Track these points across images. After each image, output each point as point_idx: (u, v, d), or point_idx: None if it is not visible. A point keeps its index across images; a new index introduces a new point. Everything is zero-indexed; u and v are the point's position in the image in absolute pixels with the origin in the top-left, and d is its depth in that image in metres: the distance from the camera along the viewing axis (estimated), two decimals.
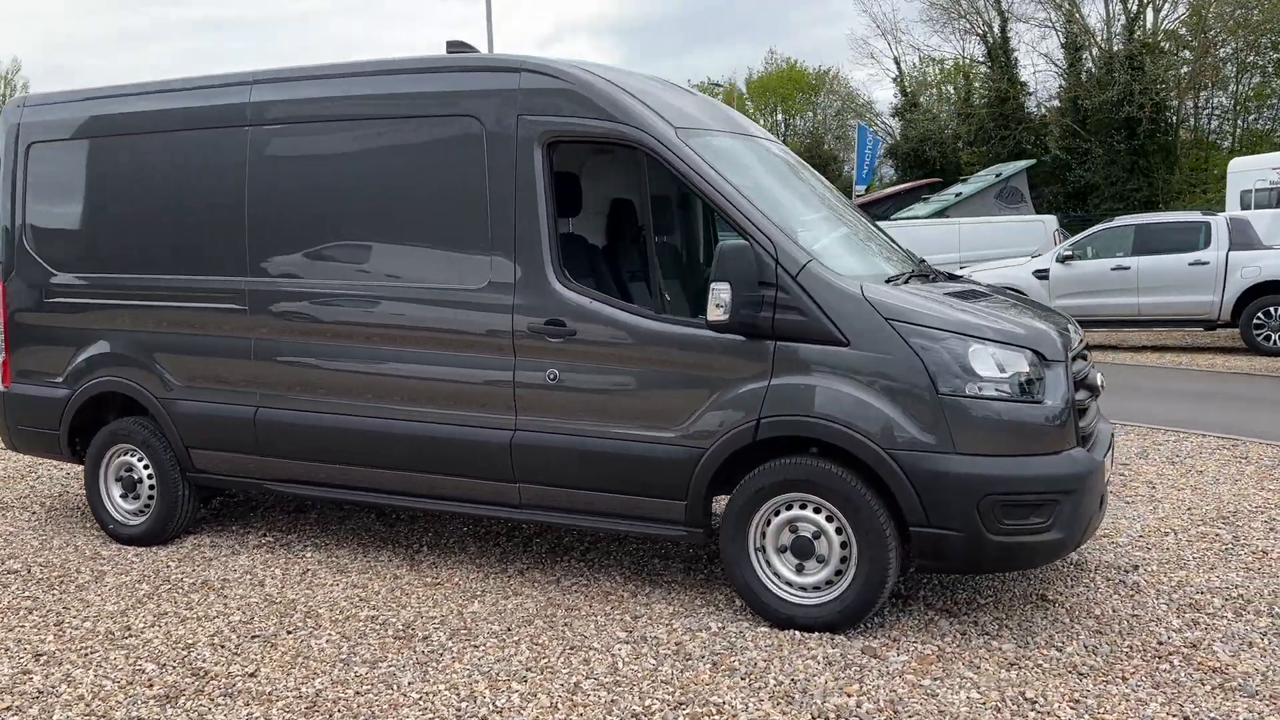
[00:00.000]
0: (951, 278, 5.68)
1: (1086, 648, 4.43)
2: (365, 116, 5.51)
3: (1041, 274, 15.94)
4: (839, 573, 4.62)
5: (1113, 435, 5.30)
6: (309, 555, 6.00)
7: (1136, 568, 5.44)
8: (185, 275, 6.01)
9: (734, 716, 3.89)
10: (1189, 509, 6.53)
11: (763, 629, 4.70)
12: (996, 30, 43.47)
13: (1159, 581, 5.22)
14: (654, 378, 4.86)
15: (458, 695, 4.12)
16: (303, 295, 5.66)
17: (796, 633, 4.64)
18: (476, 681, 4.24)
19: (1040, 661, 4.31)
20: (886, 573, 4.49)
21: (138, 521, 6.30)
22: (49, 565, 5.93)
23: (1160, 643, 4.46)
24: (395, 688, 4.21)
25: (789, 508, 4.67)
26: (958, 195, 24.20)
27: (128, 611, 5.14)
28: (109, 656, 4.60)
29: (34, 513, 7.11)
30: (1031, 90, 42.67)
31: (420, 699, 4.10)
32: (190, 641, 4.73)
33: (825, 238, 5.30)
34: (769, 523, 4.72)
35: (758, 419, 4.63)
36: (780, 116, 64.33)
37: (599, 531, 5.56)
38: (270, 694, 4.19)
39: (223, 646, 4.68)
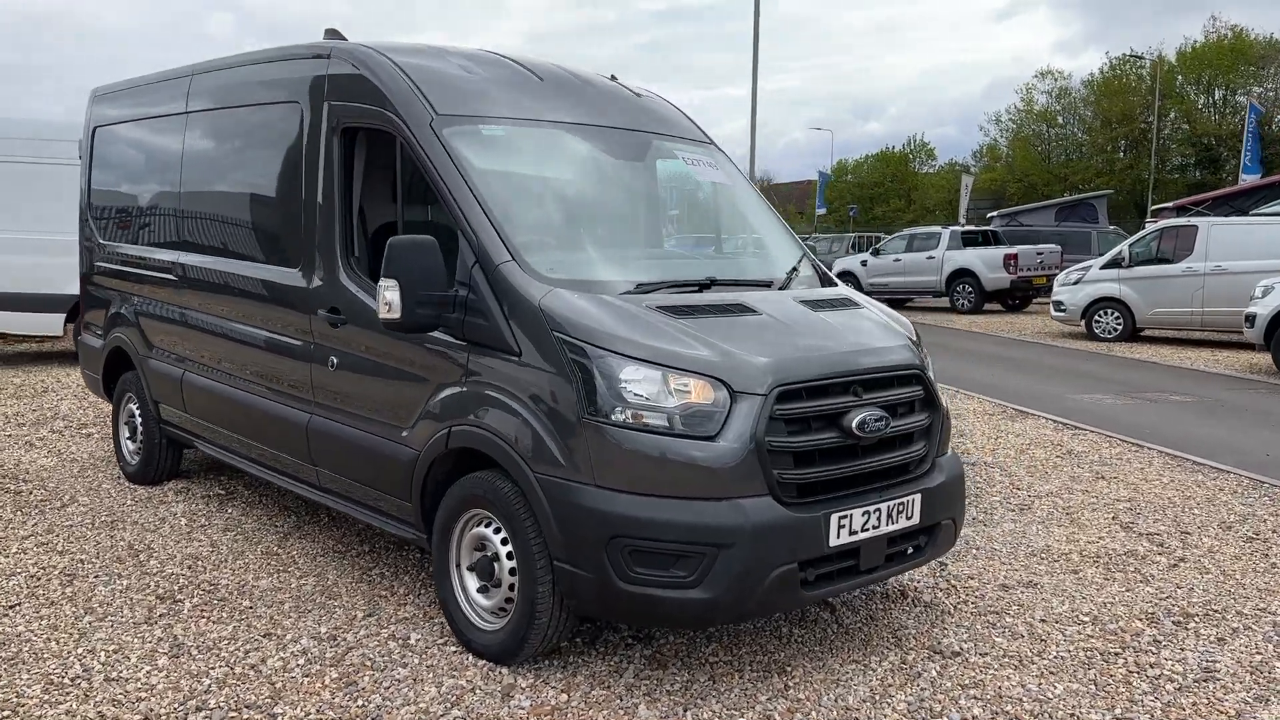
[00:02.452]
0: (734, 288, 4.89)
1: None
2: (233, 105, 5.84)
3: None
4: (509, 600, 4.24)
5: (922, 495, 4.31)
6: (230, 511, 6.50)
7: (958, 654, 4.41)
8: (152, 247, 6.72)
9: None
10: (1168, 597, 5.13)
11: (450, 649, 4.45)
12: None
13: (955, 677, 4.20)
14: (394, 373, 4.73)
15: (106, 656, 4.35)
16: (199, 270, 6.14)
17: (470, 657, 4.34)
18: (137, 648, 4.43)
19: None
20: (536, 607, 4.06)
21: (135, 462, 7.19)
22: (53, 489, 6.93)
23: None
24: (79, 638, 4.52)
25: (480, 524, 4.37)
26: None
27: (31, 536, 5.92)
28: None
29: (110, 444, 8.31)
30: None
31: (75, 652, 4.37)
32: (16, 571, 5.37)
33: (613, 241, 4.81)
34: (463, 538, 4.44)
35: (450, 426, 4.36)
36: (1219, 93, 56.47)
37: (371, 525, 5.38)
38: None
39: (35, 579, 5.26)
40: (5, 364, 12.36)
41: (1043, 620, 4.84)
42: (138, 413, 7.10)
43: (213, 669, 4.25)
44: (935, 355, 4.89)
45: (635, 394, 3.83)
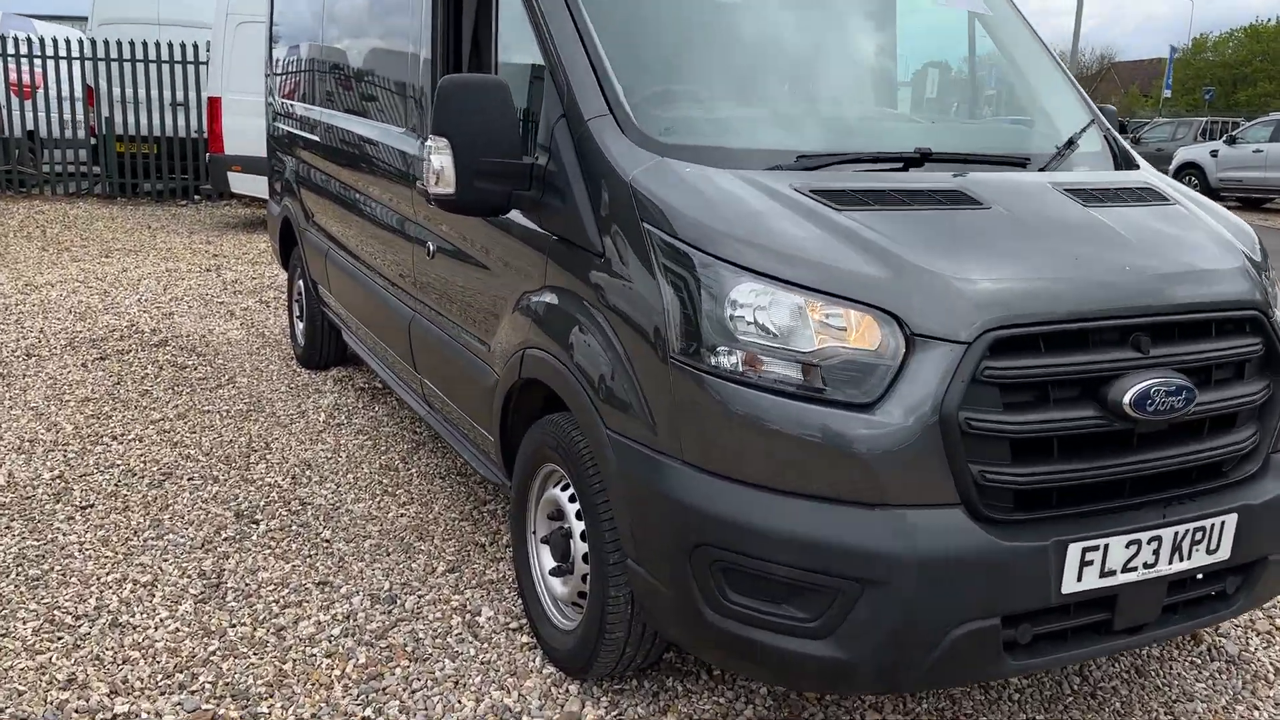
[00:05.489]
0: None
1: None
2: None
3: None
4: (584, 595, 3.05)
5: (1239, 515, 2.64)
6: (376, 410, 5.72)
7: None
8: (304, 104, 5.90)
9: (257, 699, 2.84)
10: None
11: (522, 639, 3.35)
12: None
13: None
14: (477, 267, 3.58)
15: (132, 589, 3.60)
16: (336, 132, 5.23)
17: (539, 657, 3.22)
18: (171, 582, 3.66)
19: None
20: (608, 615, 2.84)
21: (303, 344, 6.58)
22: (219, 367, 6.44)
23: None
24: (120, 560, 3.81)
25: (556, 484, 3.18)
26: None
27: (161, 420, 5.37)
28: (64, 421, 4.88)
29: None
30: None
31: (104, 580, 3.66)
32: (116, 464, 4.80)
33: (778, 93, 3.32)
34: (541, 500, 3.28)
35: (524, 348, 3.16)
36: None
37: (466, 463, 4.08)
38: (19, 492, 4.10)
39: (129, 475, 4.66)
40: (261, 229, 12.46)
41: None
42: (303, 291, 6.46)
43: (232, 627, 3.39)
44: None
45: (753, 327, 2.44)
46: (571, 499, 3.05)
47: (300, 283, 6.50)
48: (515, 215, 3.20)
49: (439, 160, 2.98)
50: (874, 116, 3.40)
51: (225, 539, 4.06)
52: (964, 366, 2.34)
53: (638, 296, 2.64)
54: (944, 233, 2.60)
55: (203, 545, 4.00)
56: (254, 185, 11.56)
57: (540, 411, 3.29)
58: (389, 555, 3.94)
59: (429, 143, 3.00)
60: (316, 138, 5.58)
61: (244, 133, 11.39)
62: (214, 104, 11.84)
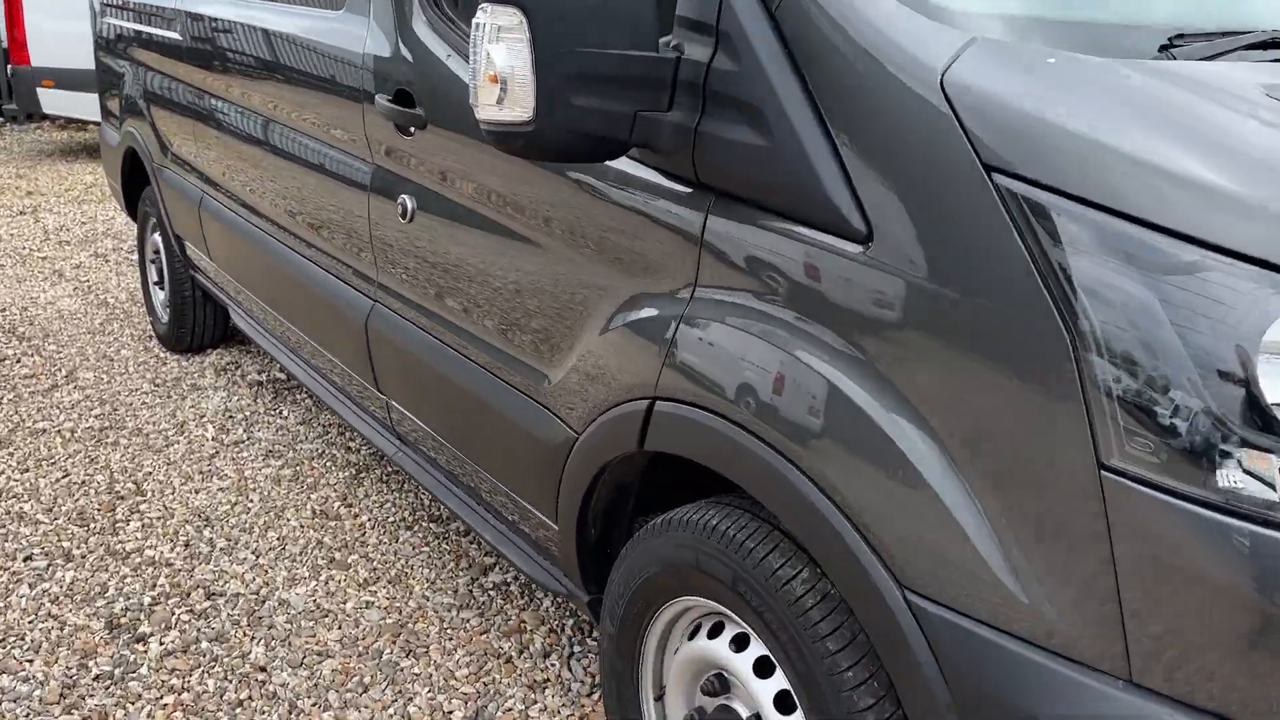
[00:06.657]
0: None
1: None
2: None
3: None
4: None
5: None
6: (286, 414, 4.18)
7: None
8: None
9: None
10: None
11: None
12: None
13: None
14: (532, 242, 2.12)
15: None
16: (210, 24, 3.58)
17: None
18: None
19: None
20: None
21: (165, 319, 4.91)
22: (51, 355, 4.73)
23: None
24: None
25: (711, 634, 1.82)
26: None
27: None
28: None
29: None
30: None
31: None
32: None
33: None
34: (673, 649, 1.91)
35: (653, 395, 1.75)
36: None
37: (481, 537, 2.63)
38: None
39: None
40: (85, 157, 10.30)
41: None
42: (163, 248, 4.77)
43: None
44: None
45: None
46: (762, 671, 1.70)
47: (157, 237, 4.80)
48: (625, 158, 1.76)
49: (504, 56, 1.51)
50: None
51: (97, 679, 2.55)
52: None
53: (987, 327, 1.28)
54: None
55: (60, 698, 2.48)
56: (72, 104, 9.42)
57: (644, 488, 1.93)
58: (367, 693, 2.52)
59: (481, 18, 1.52)
60: (176, 34, 3.89)
61: (55, 38, 9.21)
62: (12, 3, 9.54)
